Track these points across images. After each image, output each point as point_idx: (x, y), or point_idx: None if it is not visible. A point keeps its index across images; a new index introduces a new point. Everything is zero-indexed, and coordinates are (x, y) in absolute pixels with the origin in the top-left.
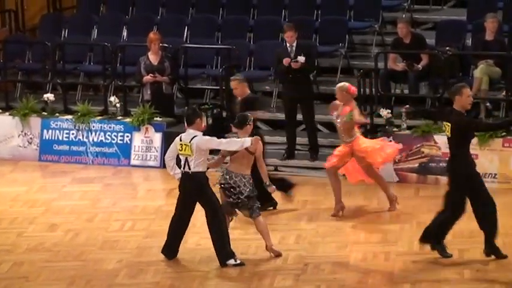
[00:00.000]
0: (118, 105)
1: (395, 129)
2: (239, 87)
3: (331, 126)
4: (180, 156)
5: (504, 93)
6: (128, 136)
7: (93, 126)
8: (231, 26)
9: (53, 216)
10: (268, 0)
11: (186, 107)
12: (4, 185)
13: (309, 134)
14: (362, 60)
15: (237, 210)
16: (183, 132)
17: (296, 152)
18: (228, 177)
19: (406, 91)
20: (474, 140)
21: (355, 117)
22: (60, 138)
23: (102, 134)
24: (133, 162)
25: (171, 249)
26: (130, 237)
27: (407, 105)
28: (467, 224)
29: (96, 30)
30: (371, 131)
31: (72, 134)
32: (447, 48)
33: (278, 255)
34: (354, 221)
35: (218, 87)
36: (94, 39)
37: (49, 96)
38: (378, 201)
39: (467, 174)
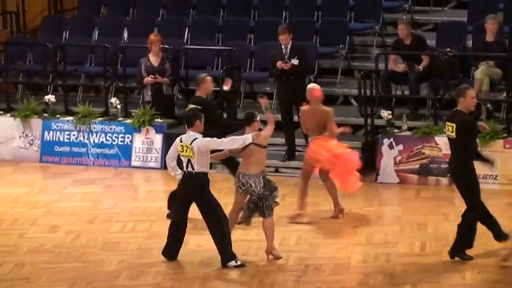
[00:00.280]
0: (119, 106)
1: (396, 130)
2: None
3: None
4: (182, 158)
5: (505, 94)
6: (128, 137)
7: (94, 128)
8: (231, 27)
9: (54, 218)
10: (268, 1)
11: (186, 108)
12: (5, 187)
13: (306, 136)
14: (362, 61)
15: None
16: (184, 133)
17: (297, 153)
18: (239, 177)
19: (406, 92)
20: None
21: None
22: (61, 139)
23: (103, 135)
24: (134, 163)
25: (171, 250)
26: (131, 238)
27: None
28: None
29: (97, 32)
30: (372, 133)
31: (73, 135)
32: (448, 49)
33: (277, 258)
34: (355, 223)
35: (219, 89)
36: (95, 41)
37: (50, 97)
38: (379, 203)
39: (467, 175)
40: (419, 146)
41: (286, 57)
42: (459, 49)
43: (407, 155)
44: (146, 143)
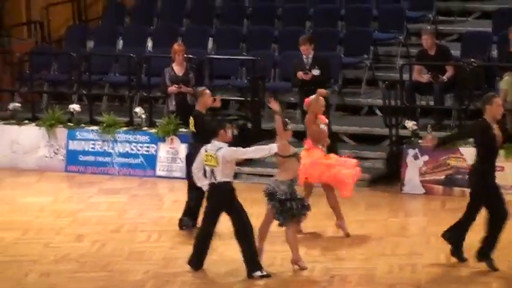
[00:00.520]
0: (143, 116)
1: (420, 141)
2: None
3: (356, 138)
4: (206, 167)
5: None
6: (153, 147)
7: (119, 137)
8: (255, 37)
9: (80, 227)
10: (292, 11)
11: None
12: (31, 196)
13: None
14: (387, 71)
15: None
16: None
17: None
18: (269, 182)
19: (431, 103)
20: (501, 152)
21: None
22: (86, 149)
23: (127, 144)
24: (158, 173)
25: (197, 260)
26: (156, 248)
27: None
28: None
29: (121, 41)
30: (397, 143)
31: (98, 144)
32: (472, 59)
33: (303, 268)
34: (380, 233)
35: (243, 99)
36: (119, 50)
37: (75, 107)
38: (404, 214)
39: (484, 185)
40: (444, 157)
41: (307, 67)
42: (484, 59)
43: (433, 166)
44: (171, 153)
